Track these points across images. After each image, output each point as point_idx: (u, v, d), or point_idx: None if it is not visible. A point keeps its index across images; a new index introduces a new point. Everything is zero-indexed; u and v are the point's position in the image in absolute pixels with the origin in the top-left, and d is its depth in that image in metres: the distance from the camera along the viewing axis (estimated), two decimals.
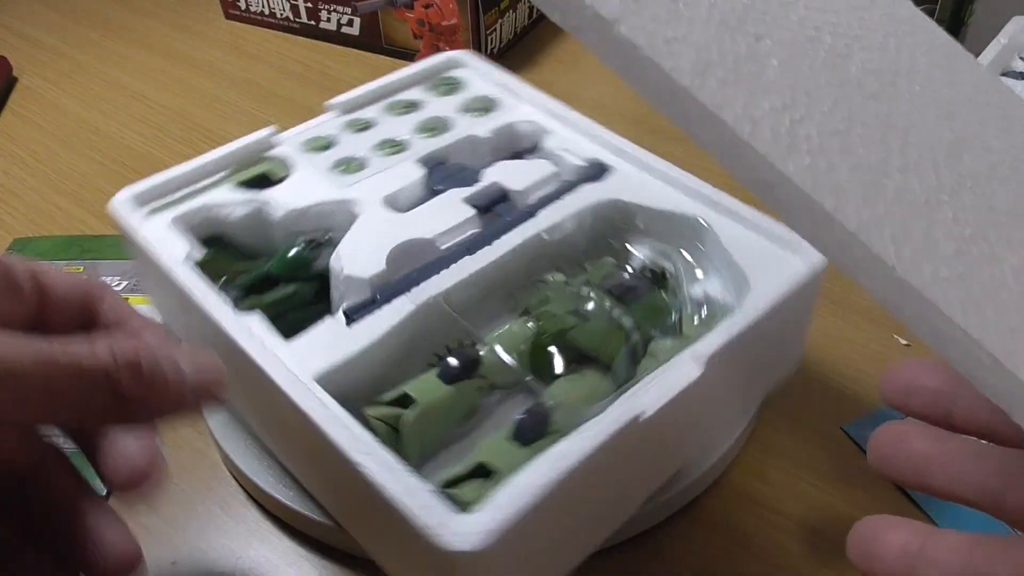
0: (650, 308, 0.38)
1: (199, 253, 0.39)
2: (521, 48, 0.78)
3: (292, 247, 0.40)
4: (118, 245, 0.55)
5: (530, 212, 0.41)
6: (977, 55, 0.62)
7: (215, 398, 0.29)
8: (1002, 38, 0.63)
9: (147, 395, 0.26)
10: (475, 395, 0.36)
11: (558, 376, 0.36)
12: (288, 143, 0.45)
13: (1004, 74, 0.62)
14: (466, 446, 0.35)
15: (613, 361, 0.36)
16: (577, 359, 0.37)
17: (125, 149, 0.66)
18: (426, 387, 0.34)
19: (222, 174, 0.43)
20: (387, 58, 0.76)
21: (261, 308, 0.36)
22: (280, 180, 0.43)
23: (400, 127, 0.47)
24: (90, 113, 0.71)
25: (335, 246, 0.39)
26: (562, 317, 0.37)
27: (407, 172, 0.43)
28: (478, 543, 0.27)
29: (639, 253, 0.42)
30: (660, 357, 0.35)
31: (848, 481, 0.41)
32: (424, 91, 0.50)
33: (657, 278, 0.40)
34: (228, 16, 0.83)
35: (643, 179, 0.43)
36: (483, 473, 0.31)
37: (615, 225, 0.42)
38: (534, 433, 0.33)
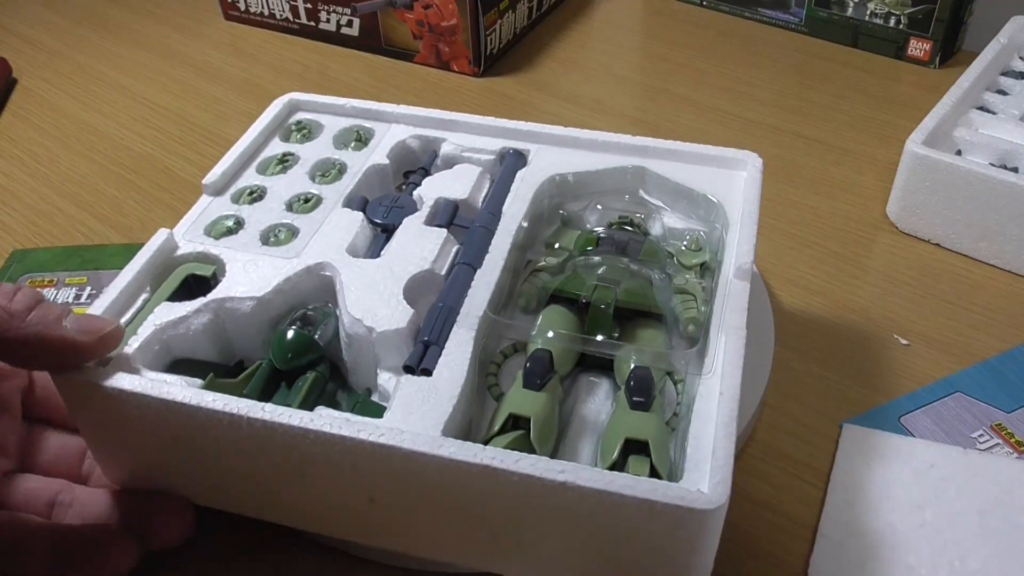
0: (648, 253, 0.41)
1: (193, 381, 0.35)
2: (521, 48, 0.78)
3: (284, 333, 0.37)
4: (119, 254, 0.54)
5: (492, 212, 0.41)
6: (977, 55, 0.62)
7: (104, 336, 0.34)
8: (1002, 38, 0.63)
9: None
10: (559, 388, 0.37)
11: (619, 341, 0.38)
12: (191, 238, 0.41)
13: (1004, 74, 0.62)
14: (576, 438, 0.36)
15: (651, 308, 0.39)
16: (621, 321, 0.39)
17: (125, 150, 0.66)
18: (525, 401, 0.35)
19: (144, 296, 0.38)
20: (386, 59, 0.76)
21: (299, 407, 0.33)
22: (212, 277, 0.39)
23: (295, 182, 0.44)
24: (90, 114, 0.71)
25: (326, 316, 0.38)
26: (604, 288, 0.39)
27: (344, 219, 0.41)
28: (719, 496, 0.29)
29: (593, 215, 0.44)
30: (689, 290, 0.39)
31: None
32: (284, 143, 0.48)
33: (633, 226, 0.43)
34: (227, 17, 0.84)
35: (562, 151, 0.45)
36: (636, 448, 0.33)
37: (560, 198, 0.45)
38: (649, 394, 0.34)
